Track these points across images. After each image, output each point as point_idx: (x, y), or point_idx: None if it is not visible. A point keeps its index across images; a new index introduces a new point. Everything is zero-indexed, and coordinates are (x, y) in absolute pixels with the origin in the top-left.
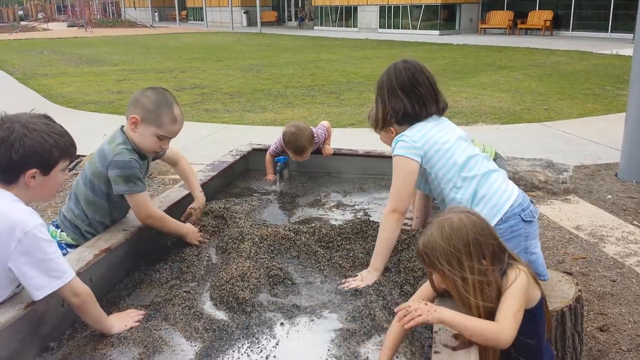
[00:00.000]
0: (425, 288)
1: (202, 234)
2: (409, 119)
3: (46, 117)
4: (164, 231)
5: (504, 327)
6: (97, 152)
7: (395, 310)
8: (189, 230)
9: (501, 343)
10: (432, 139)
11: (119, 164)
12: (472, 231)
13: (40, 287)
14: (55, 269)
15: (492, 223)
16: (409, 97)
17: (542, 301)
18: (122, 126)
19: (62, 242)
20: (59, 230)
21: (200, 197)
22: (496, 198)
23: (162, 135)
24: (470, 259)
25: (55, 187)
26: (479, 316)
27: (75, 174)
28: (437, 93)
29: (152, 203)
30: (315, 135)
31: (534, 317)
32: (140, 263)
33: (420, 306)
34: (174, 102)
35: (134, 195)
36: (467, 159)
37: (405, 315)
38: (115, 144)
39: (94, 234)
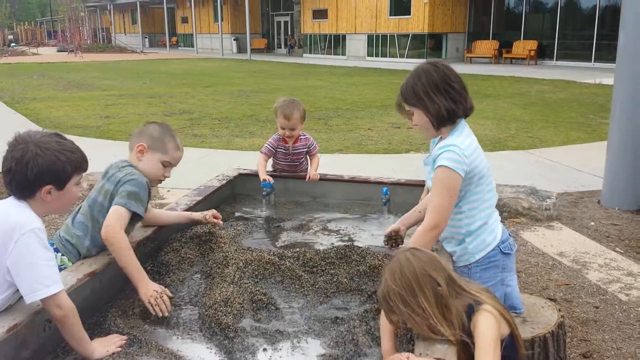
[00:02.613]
0: (385, 325)
1: (163, 294)
2: (449, 119)
3: (57, 135)
4: (118, 260)
5: None
6: (106, 179)
7: None
8: (146, 284)
9: None
10: (478, 157)
11: (133, 183)
12: (419, 265)
13: (29, 292)
14: (46, 276)
15: (476, 257)
16: (445, 97)
17: (511, 337)
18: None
19: (62, 265)
20: (60, 254)
21: (194, 215)
22: (486, 234)
23: (167, 161)
24: (424, 290)
25: (70, 200)
26: (453, 335)
27: None
28: (466, 91)
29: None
30: (311, 138)
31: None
32: (124, 288)
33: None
34: (175, 133)
35: (120, 209)
36: (490, 190)
37: None
38: (125, 167)
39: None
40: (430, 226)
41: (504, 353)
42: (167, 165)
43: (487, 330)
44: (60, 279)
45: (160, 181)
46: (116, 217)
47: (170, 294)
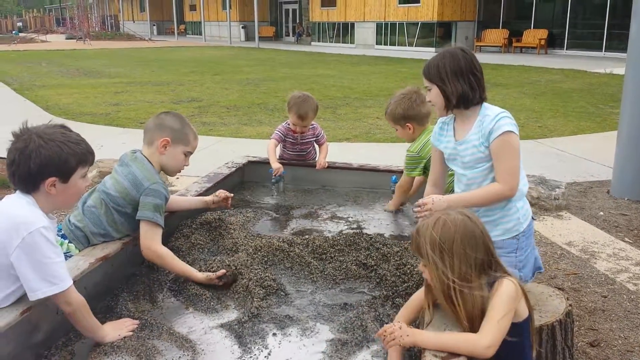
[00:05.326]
0: (415, 298)
1: (220, 278)
2: (465, 102)
3: (62, 126)
4: (166, 268)
5: (484, 335)
6: (124, 174)
7: (376, 335)
8: (200, 276)
9: (481, 352)
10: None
11: (155, 193)
12: (461, 235)
13: (35, 290)
14: (53, 275)
15: (524, 226)
16: (467, 81)
17: (529, 318)
18: (136, 151)
19: (69, 253)
20: (67, 241)
21: (206, 198)
22: (525, 201)
23: (188, 151)
24: (452, 257)
25: (77, 194)
26: (464, 317)
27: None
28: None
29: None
30: (319, 127)
31: (520, 330)
32: (135, 272)
33: (394, 330)
34: (189, 121)
35: (151, 224)
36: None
37: (384, 338)
38: (148, 171)
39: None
40: (508, 188)
41: (514, 338)
42: (188, 154)
43: (504, 295)
44: (69, 275)
45: (180, 170)
46: (150, 235)
47: (219, 274)
